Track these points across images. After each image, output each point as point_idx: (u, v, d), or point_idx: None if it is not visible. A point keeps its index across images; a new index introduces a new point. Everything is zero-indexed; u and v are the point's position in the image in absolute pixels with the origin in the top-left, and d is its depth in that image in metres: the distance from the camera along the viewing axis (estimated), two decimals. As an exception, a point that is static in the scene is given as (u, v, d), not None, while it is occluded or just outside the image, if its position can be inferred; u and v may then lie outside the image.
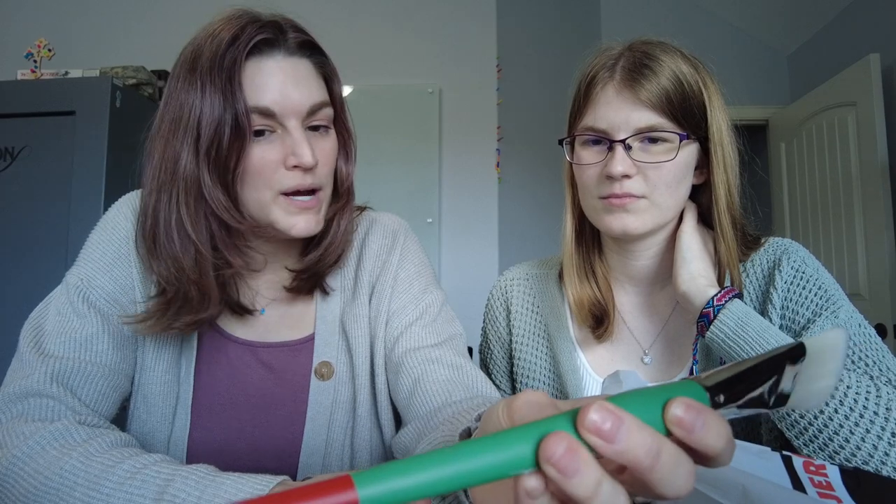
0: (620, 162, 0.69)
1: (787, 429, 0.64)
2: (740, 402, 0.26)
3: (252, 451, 0.68)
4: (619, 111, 0.70)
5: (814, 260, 0.74)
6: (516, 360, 0.87)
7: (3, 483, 0.51)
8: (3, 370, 0.62)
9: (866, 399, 0.60)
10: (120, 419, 0.67)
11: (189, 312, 0.63)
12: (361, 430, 0.71)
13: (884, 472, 0.59)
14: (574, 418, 0.24)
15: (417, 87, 2.82)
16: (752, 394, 0.26)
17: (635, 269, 0.80)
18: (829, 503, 0.39)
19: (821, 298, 0.70)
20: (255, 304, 0.71)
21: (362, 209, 0.80)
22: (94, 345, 0.63)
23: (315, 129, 0.65)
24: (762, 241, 0.77)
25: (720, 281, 0.74)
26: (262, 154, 0.61)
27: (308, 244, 0.72)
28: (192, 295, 0.62)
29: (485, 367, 0.94)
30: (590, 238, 0.84)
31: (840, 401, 0.61)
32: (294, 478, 0.55)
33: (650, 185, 0.71)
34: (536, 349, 0.86)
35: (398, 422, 0.72)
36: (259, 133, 0.61)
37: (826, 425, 0.61)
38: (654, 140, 0.70)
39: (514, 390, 0.89)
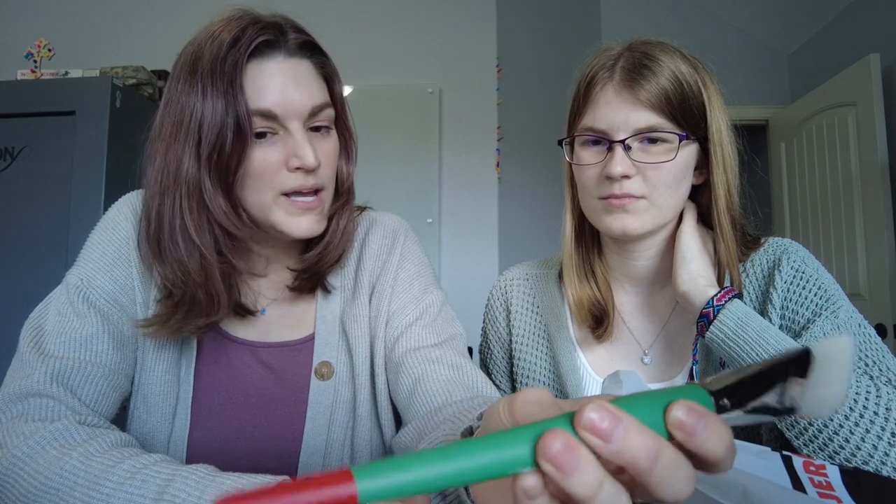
0: (620, 162, 0.69)
1: (787, 429, 0.64)
2: (747, 407, 0.26)
3: (252, 451, 0.68)
4: (619, 111, 0.70)
5: (814, 260, 0.74)
6: (516, 360, 0.87)
7: (3, 483, 0.51)
8: (3, 370, 0.62)
9: (866, 399, 0.60)
10: (120, 419, 0.67)
11: (199, 316, 0.63)
12: (361, 430, 0.71)
13: (884, 472, 0.59)
14: (573, 418, 0.24)
15: (417, 87, 2.82)
16: (759, 400, 0.26)
17: (635, 270, 0.80)
18: (829, 503, 0.39)
19: (820, 298, 0.70)
20: (257, 305, 0.71)
21: (362, 209, 0.80)
22: (94, 345, 0.63)
23: (316, 129, 0.65)
24: (762, 241, 0.77)
25: (720, 281, 0.74)
26: (263, 156, 0.61)
27: (308, 243, 0.72)
28: (200, 298, 0.63)
29: (485, 367, 0.94)
30: (589, 238, 0.84)
31: (840, 401, 0.61)
32: (294, 478, 0.55)
33: (650, 185, 0.71)
34: (536, 349, 0.86)
35: (398, 422, 0.72)
36: (261, 135, 0.61)
37: (826, 425, 0.61)
38: (653, 140, 0.70)
39: (514, 390, 0.89)
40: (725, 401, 0.26)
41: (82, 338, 0.62)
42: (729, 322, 0.67)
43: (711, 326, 0.68)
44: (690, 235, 0.75)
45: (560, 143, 0.79)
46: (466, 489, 0.40)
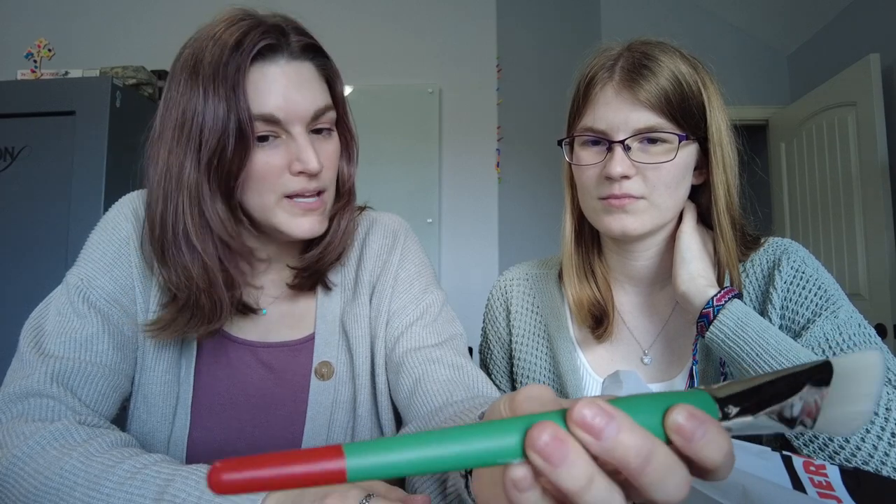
0: (619, 163, 0.69)
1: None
2: (756, 415, 0.25)
3: (252, 451, 0.68)
4: (619, 112, 0.70)
5: (813, 260, 0.74)
6: (516, 360, 0.87)
7: (3, 483, 0.51)
8: (3, 370, 0.62)
9: (866, 399, 0.60)
10: (120, 419, 0.67)
11: (202, 322, 0.63)
12: (362, 430, 0.71)
13: (884, 472, 0.59)
14: (566, 413, 0.24)
15: (417, 87, 2.82)
16: (769, 409, 0.25)
17: (635, 270, 0.80)
18: (829, 503, 0.39)
19: (820, 298, 0.70)
20: (259, 303, 0.71)
21: (362, 209, 0.80)
22: (94, 345, 0.63)
23: (318, 132, 0.65)
24: (762, 241, 0.77)
25: (720, 281, 0.74)
26: (266, 159, 0.61)
27: (309, 242, 0.72)
28: (203, 303, 0.62)
29: (485, 367, 0.94)
30: (589, 238, 0.84)
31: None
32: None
33: (649, 185, 0.71)
34: (536, 349, 0.86)
35: (399, 422, 0.73)
36: (263, 138, 0.61)
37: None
38: (653, 141, 0.70)
39: (514, 391, 0.89)
40: (731, 408, 0.26)
41: (82, 338, 0.62)
42: (729, 322, 0.67)
43: (711, 326, 0.68)
44: (690, 235, 0.75)
45: (560, 143, 0.79)
46: (467, 488, 0.41)
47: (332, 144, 0.67)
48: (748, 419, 0.26)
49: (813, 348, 0.67)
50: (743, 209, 0.77)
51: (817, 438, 0.61)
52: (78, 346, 0.62)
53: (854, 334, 0.68)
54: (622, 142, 0.70)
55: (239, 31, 0.60)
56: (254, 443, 0.69)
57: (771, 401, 0.25)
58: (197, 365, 0.69)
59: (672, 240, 0.77)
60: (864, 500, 0.39)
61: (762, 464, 0.41)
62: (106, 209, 0.72)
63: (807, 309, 0.71)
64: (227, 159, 0.59)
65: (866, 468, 0.60)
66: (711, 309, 0.69)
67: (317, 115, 0.63)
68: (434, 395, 0.61)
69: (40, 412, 0.56)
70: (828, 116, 2.79)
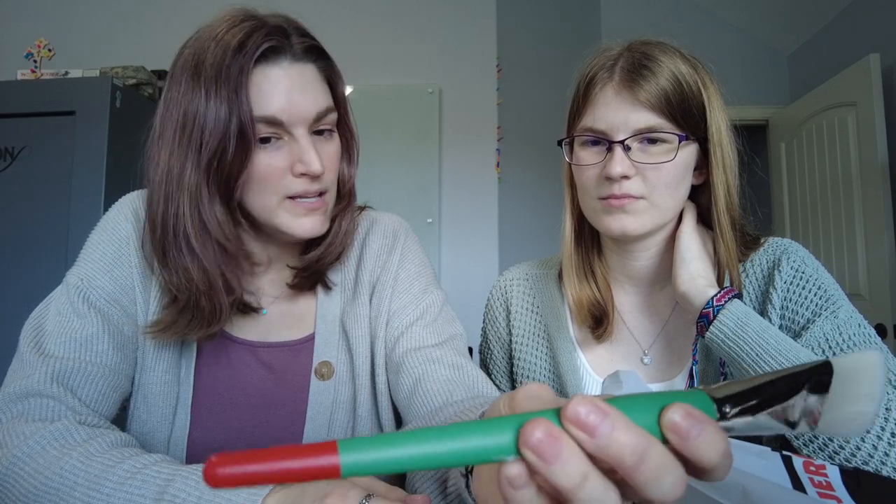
0: (619, 163, 0.69)
1: (787, 429, 0.64)
2: (755, 415, 0.25)
3: (252, 451, 0.68)
4: (618, 112, 0.70)
5: (813, 260, 0.74)
6: (516, 361, 0.87)
7: (3, 483, 0.51)
8: (3, 370, 0.62)
9: (866, 399, 0.60)
10: (120, 419, 0.67)
11: (202, 325, 0.63)
12: (362, 430, 0.71)
13: (884, 472, 0.59)
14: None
15: (417, 87, 2.82)
16: (766, 412, 0.25)
17: (635, 270, 0.81)
18: (829, 503, 0.39)
19: (820, 298, 0.70)
20: (260, 303, 0.71)
21: (362, 209, 0.80)
22: (94, 345, 0.63)
23: (319, 133, 0.65)
24: (761, 241, 0.77)
25: (720, 281, 0.74)
26: (268, 161, 0.61)
27: (309, 242, 0.72)
28: (203, 305, 0.62)
29: (485, 367, 0.94)
30: (589, 238, 0.84)
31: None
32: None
33: (649, 185, 0.71)
34: (536, 349, 0.86)
35: (399, 422, 0.73)
36: (265, 140, 0.61)
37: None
38: (653, 141, 0.70)
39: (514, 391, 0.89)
40: (729, 409, 0.26)
41: (82, 338, 0.62)
42: (729, 322, 0.67)
43: (711, 327, 0.68)
44: (690, 236, 0.75)
45: (559, 143, 0.79)
46: (468, 488, 0.41)
47: (333, 146, 0.67)
48: (748, 419, 0.25)
49: (813, 348, 0.67)
50: (743, 209, 0.77)
51: (817, 438, 0.61)
52: (78, 346, 0.62)
53: (854, 334, 0.68)
54: (622, 142, 0.70)
55: (242, 32, 0.59)
56: (254, 443, 0.69)
57: (770, 401, 0.25)
58: (197, 365, 0.69)
59: (672, 240, 0.77)
60: (864, 500, 0.39)
61: (762, 464, 0.41)
62: (106, 209, 0.72)
63: (807, 309, 0.71)
64: (228, 161, 0.59)
65: (866, 468, 0.60)
66: (711, 309, 0.69)
67: (319, 117, 0.63)
68: (434, 395, 0.61)
69: (40, 412, 0.56)
70: (828, 116, 2.79)
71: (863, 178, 2.56)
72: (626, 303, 0.83)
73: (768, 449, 0.42)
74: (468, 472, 0.40)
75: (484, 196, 2.80)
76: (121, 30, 2.87)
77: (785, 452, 0.42)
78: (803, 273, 0.72)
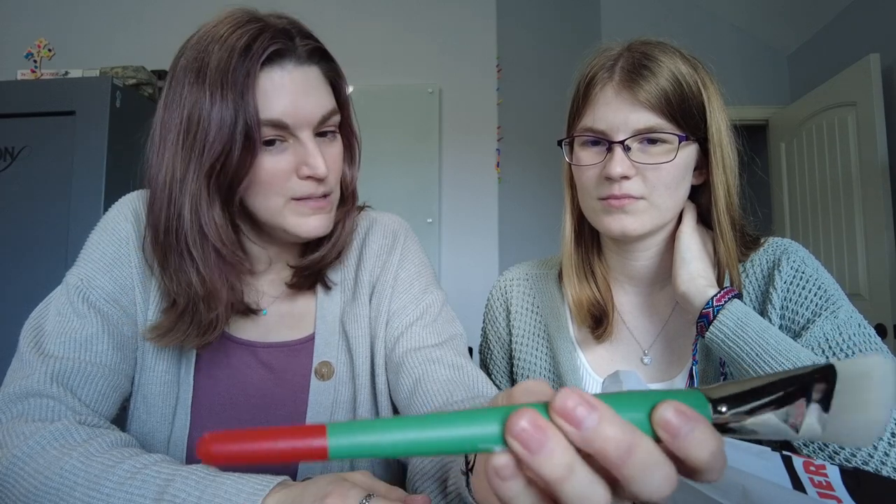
0: (619, 163, 0.69)
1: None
2: (747, 420, 0.25)
3: (252, 452, 0.68)
4: (618, 112, 0.70)
5: (813, 260, 0.74)
6: (516, 361, 0.87)
7: (3, 483, 0.51)
8: (3, 370, 0.62)
9: (866, 399, 0.60)
10: (120, 419, 0.67)
11: (198, 334, 0.63)
12: (361, 430, 0.71)
13: (884, 472, 0.59)
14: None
15: (417, 87, 2.82)
16: (763, 415, 0.24)
17: (635, 270, 0.81)
18: (829, 503, 0.39)
19: (820, 298, 0.70)
20: (259, 304, 0.71)
21: (362, 209, 0.80)
22: (94, 345, 0.63)
23: (322, 134, 0.65)
24: (761, 241, 0.77)
25: (720, 281, 0.74)
26: (273, 164, 0.61)
27: (310, 242, 0.72)
28: (201, 310, 0.62)
29: (485, 367, 0.94)
30: (589, 238, 0.84)
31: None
32: (294, 478, 0.55)
33: (649, 186, 0.71)
34: (536, 349, 0.86)
35: (398, 422, 0.72)
36: (269, 142, 0.61)
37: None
38: (653, 141, 0.70)
39: (514, 390, 0.89)
40: (724, 409, 0.25)
41: (82, 338, 0.62)
42: (729, 322, 0.67)
43: (711, 327, 0.68)
44: (690, 236, 0.75)
45: (559, 143, 0.79)
46: (468, 487, 0.40)
47: (336, 147, 0.67)
48: (747, 421, 0.25)
49: (813, 348, 0.67)
50: (743, 209, 0.77)
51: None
52: (78, 346, 0.62)
53: (854, 334, 0.68)
54: (622, 142, 0.70)
55: (247, 34, 0.59)
56: (254, 443, 0.68)
57: (769, 403, 0.25)
58: (197, 365, 0.69)
59: (672, 240, 0.77)
60: (864, 500, 0.39)
61: (762, 464, 0.41)
62: (106, 209, 0.72)
63: (806, 309, 0.71)
64: (232, 164, 0.58)
65: (866, 468, 0.60)
66: (711, 309, 0.69)
67: (323, 120, 0.63)
68: (434, 395, 0.61)
69: (40, 412, 0.56)
70: (828, 116, 2.79)
71: (863, 178, 2.56)
72: (626, 303, 0.83)
73: (768, 449, 0.42)
74: (468, 471, 0.40)
75: (484, 196, 2.80)
76: (121, 30, 2.87)
77: (785, 452, 0.42)
78: (803, 273, 0.72)
